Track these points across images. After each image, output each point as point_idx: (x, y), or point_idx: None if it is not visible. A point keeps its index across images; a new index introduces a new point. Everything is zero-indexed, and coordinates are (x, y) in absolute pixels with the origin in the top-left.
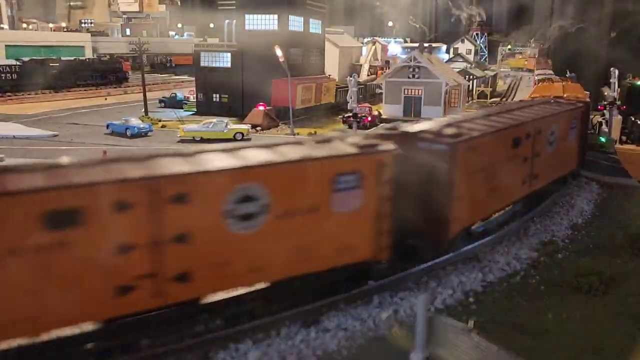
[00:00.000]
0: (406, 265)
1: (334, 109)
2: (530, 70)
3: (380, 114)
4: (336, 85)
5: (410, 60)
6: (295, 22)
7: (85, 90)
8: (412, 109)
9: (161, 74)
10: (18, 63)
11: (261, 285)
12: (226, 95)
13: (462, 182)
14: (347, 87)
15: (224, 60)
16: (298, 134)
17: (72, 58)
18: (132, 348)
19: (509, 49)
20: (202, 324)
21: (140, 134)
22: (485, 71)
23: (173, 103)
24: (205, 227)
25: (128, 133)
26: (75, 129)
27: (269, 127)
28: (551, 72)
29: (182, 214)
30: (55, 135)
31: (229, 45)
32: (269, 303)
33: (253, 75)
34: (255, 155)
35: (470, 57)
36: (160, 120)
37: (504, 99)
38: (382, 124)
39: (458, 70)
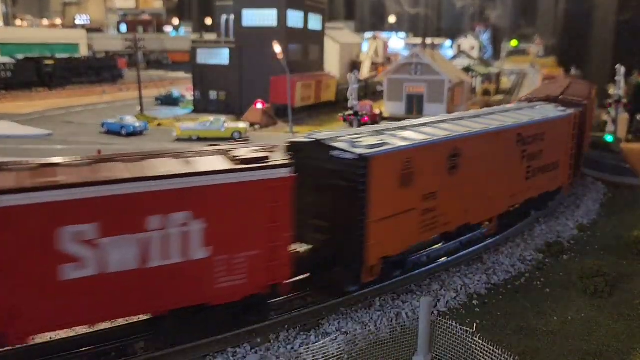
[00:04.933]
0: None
1: (335, 106)
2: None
3: (381, 112)
4: (337, 82)
5: (413, 57)
6: (295, 18)
7: (80, 88)
8: (415, 107)
9: (157, 70)
10: (12, 61)
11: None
12: (224, 93)
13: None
14: (348, 84)
15: (222, 57)
16: (297, 132)
17: (67, 56)
18: (128, 352)
19: (515, 47)
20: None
21: (135, 133)
22: (489, 68)
23: (169, 101)
24: None
25: (123, 132)
26: (70, 128)
27: (267, 126)
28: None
29: None
30: (49, 135)
31: (227, 41)
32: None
33: (251, 73)
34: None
35: (474, 53)
36: (156, 119)
37: (509, 96)
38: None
39: (461, 67)
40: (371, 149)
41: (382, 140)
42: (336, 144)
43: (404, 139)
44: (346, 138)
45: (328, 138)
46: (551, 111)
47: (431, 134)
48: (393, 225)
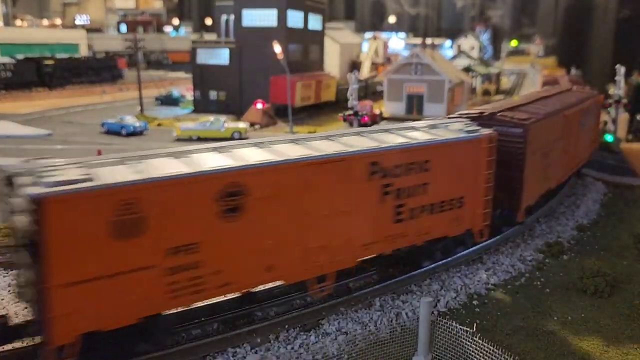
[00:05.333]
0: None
1: (335, 106)
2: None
3: (381, 112)
4: (337, 82)
5: (413, 57)
6: (295, 18)
7: (80, 88)
8: (415, 107)
9: (157, 70)
10: (12, 61)
11: None
12: (224, 93)
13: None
14: (348, 84)
15: (222, 57)
16: (297, 132)
17: (67, 56)
18: (128, 352)
19: (515, 47)
20: (198, 327)
21: (135, 133)
22: (489, 68)
23: (169, 101)
24: None
25: (123, 132)
26: (70, 128)
27: (267, 125)
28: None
29: None
30: (49, 135)
31: (227, 41)
32: None
33: (251, 73)
34: None
35: (474, 53)
36: (156, 119)
37: (509, 96)
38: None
39: (461, 67)
40: (54, 186)
41: (88, 174)
42: (20, 179)
43: (138, 172)
44: (44, 169)
45: (22, 170)
46: (452, 132)
47: (197, 164)
48: (106, 289)
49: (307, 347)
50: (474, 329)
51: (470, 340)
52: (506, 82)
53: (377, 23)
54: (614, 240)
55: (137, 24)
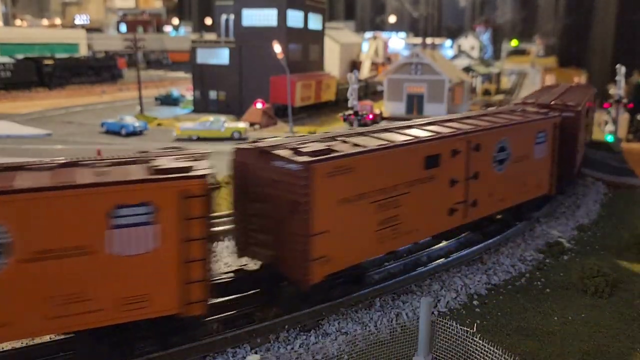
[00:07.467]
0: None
1: (335, 106)
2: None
3: (381, 112)
4: (337, 82)
5: (413, 57)
6: (295, 18)
7: (79, 88)
8: (415, 107)
9: (157, 70)
10: (12, 61)
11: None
12: (224, 93)
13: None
14: (348, 84)
15: (222, 57)
16: (297, 132)
17: (67, 56)
18: (127, 352)
19: (515, 46)
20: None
21: (135, 133)
22: (489, 68)
23: (169, 101)
24: None
25: (123, 131)
26: (70, 128)
27: (267, 125)
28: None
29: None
30: (49, 135)
31: (227, 41)
32: None
33: (251, 72)
34: None
35: (474, 53)
36: (156, 119)
37: (509, 96)
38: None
39: (461, 67)
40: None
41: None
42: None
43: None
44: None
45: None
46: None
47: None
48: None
49: (307, 348)
50: (474, 329)
51: (471, 341)
52: (506, 82)
53: (376, 21)
54: (615, 240)
55: (137, 23)
